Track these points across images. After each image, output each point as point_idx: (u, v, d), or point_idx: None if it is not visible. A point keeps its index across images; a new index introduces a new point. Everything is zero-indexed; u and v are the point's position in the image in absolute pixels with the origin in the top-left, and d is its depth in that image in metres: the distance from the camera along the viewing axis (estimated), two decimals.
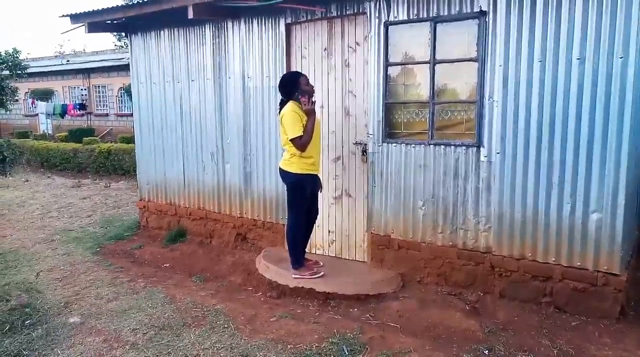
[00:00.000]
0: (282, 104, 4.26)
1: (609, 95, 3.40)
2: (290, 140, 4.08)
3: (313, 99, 4.16)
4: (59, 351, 3.41)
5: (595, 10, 3.38)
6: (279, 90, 4.30)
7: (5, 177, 12.13)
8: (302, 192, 4.24)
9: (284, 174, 4.26)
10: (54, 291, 4.51)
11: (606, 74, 3.39)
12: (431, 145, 4.16)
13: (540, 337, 3.41)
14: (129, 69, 6.57)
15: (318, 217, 4.59)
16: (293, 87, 4.14)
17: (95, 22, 5.87)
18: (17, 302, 4.18)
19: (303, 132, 4.05)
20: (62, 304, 4.19)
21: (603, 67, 3.39)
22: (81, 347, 3.45)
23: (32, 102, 22.66)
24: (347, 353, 3.23)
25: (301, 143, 4.06)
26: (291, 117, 4.06)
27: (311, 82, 4.41)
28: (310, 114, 4.09)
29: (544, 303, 3.78)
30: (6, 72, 18.79)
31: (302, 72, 4.43)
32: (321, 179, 4.53)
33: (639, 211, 4.48)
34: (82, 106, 21.97)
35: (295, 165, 4.16)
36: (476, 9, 3.81)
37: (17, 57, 19.11)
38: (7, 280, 4.79)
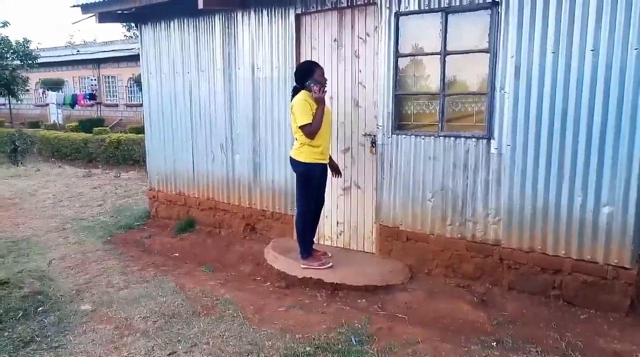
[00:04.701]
0: (295, 92, 4.28)
1: (623, 88, 3.35)
2: (299, 127, 4.09)
3: (324, 89, 4.17)
4: (71, 338, 3.46)
5: (609, 1, 3.32)
6: (294, 75, 4.32)
7: (18, 166, 12.29)
8: (310, 181, 4.26)
9: (294, 163, 4.29)
10: (66, 279, 4.57)
11: (620, 66, 3.34)
12: (441, 137, 4.14)
13: (548, 330, 3.41)
14: (138, 60, 6.59)
15: (327, 208, 4.60)
16: (307, 74, 4.15)
17: (105, 12, 5.90)
18: (30, 289, 4.25)
19: (312, 119, 4.06)
20: (73, 292, 4.25)
21: (617, 58, 3.34)
22: (93, 335, 3.50)
23: (43, 92, 22.86)
24: (355, 343, 3.25)
25: (310, 130, 4.07)
26: (301, 105, 4.08)
27: None
28: (320, 102, 4.11)
29: (553, 296, 3.77)
30: (17, 62, 18.94)
31: (320, 65, 4.40)
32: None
33: None
34: (92, 96, 22.13)
35: (305, 154, 4.18)
36: None
37: (27, 47, 19.22)
38: (20, 267, 4.86)
